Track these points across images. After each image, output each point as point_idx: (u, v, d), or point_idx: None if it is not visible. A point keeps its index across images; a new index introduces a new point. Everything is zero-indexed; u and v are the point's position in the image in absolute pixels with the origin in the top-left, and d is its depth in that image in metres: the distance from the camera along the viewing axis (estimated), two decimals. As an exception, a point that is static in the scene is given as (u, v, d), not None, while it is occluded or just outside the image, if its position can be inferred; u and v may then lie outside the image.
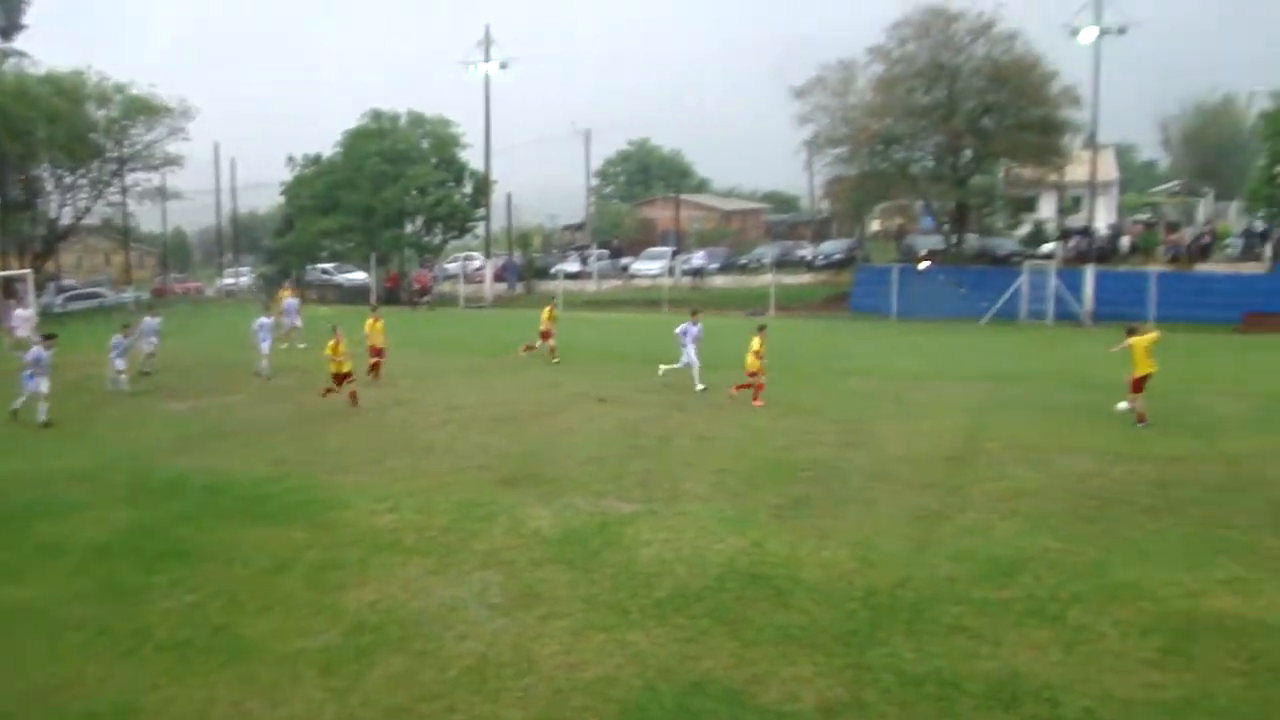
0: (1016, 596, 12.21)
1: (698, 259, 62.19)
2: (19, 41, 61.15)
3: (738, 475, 17.92)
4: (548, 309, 32.39)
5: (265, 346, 30.15)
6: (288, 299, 38.42)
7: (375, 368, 28.63)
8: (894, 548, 14.00)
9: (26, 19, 62.11)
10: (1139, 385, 21.70)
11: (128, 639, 11.51)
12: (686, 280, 60.36)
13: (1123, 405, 22.25)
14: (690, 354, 26.82)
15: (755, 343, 24.88)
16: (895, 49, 49.91)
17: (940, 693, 10.00)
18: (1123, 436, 20.74)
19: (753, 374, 24.88)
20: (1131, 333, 22.23)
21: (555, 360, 31.31)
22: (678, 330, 27.51)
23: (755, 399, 24.57)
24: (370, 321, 29.34)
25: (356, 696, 10.11)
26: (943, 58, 49.06)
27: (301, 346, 35.40)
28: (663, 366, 27.74)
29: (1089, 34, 47.85)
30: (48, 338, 24.80)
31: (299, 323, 36.96)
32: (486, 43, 59.02)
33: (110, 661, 10.98)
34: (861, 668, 10.51)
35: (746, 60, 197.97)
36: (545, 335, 31.51)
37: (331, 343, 24.85)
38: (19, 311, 33.20)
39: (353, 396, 24.74)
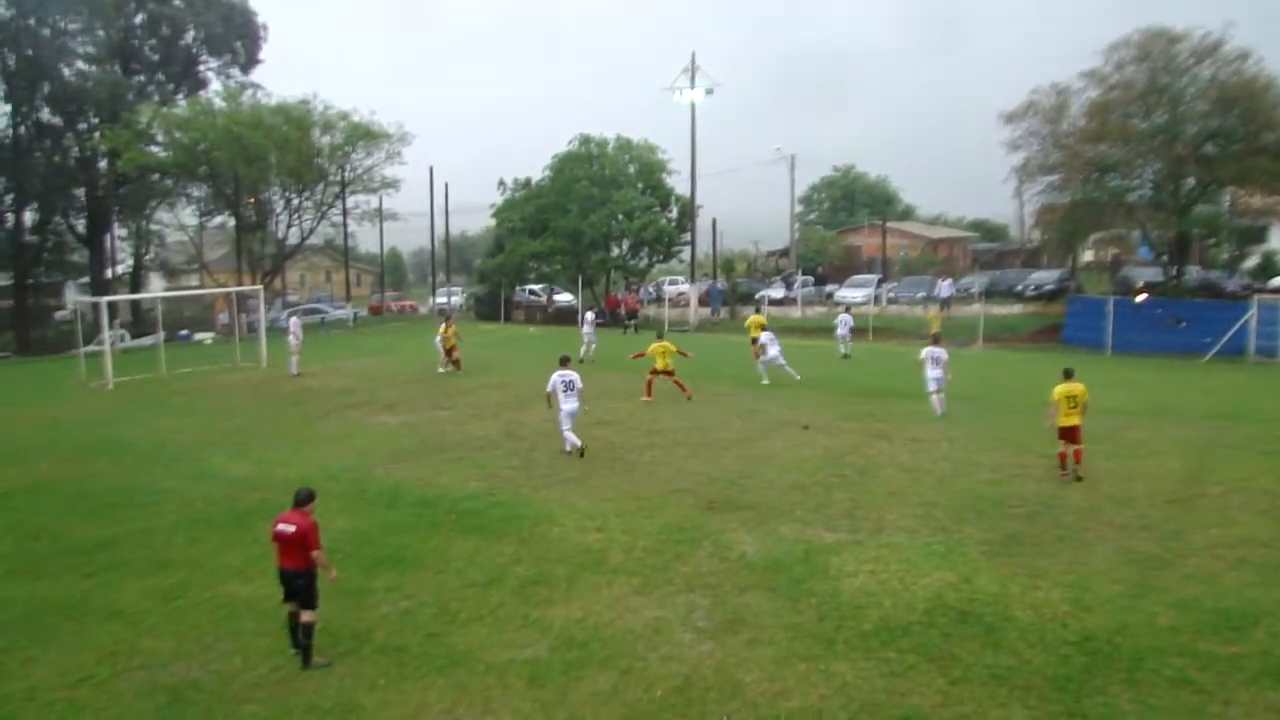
0: (1248, 653, 11.51)
1: (944, 289, 60.04)
2: (254, 74, 65.61)
3: (944, 508, 17.50)
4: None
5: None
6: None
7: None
8: (1110, 592, 13.42)
9: (261, 54, 66.57)
10: None
11: (349, 639, 12.12)
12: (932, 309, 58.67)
13: None
14: None
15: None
16: (1112, 73, 47.90)
17: (1164, 748, 9.56)
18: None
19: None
20: None
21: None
22: None
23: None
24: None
25: (563, 711, 10.33)
26: (1163, 81, 46.79)
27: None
28: None
29: (1328, 54, 45.07)
30: None
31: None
32: (692, 69, 59.49)
33: (333, 658, 11.58)
34: (1076, 715, 10.13)
35: (957, 88, 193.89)
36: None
37: None
38: (295, 320, 36.50)
39: None
